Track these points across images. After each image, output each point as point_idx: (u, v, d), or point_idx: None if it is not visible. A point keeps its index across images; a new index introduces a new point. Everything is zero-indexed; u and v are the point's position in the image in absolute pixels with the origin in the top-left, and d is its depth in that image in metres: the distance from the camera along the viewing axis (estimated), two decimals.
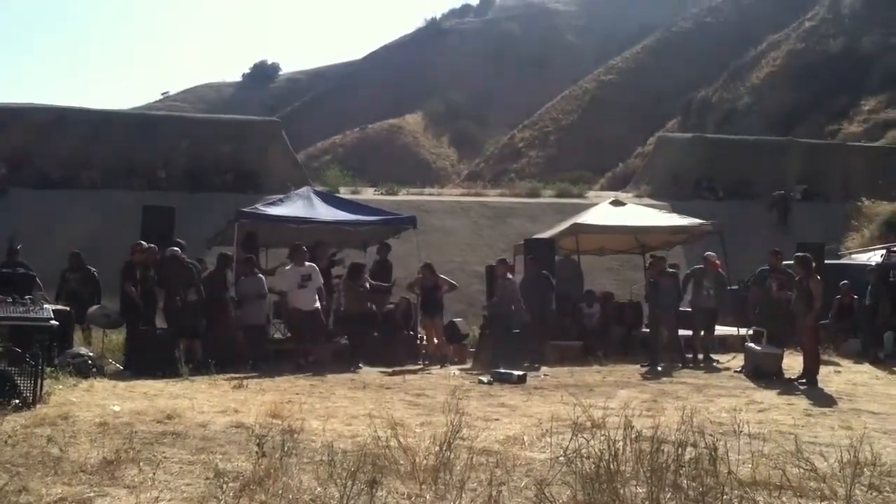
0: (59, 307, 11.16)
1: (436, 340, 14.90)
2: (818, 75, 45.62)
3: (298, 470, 5.60)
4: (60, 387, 9.29)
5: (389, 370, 12.85)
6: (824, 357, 13.02)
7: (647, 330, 15.11)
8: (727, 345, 15.20)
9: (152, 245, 13.19)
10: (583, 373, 12.78)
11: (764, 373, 11.95)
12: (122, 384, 10.35)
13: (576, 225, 16.99)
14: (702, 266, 15.04)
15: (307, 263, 13.66)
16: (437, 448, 5.70)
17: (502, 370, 11.87)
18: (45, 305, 9.74)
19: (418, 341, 15.39)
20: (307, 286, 13.43)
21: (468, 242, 23.90)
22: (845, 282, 16.13)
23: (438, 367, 13.83)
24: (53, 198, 24.44)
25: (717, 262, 15.15)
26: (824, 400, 10.10)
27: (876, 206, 28.45)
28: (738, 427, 6.28)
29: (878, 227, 27.37)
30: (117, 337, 13.53)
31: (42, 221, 21.57)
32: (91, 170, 26.93)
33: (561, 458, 5.67)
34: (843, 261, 20.82)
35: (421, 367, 13.81)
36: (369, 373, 12.50)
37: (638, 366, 13.48)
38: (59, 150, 27.04)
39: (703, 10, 73.90)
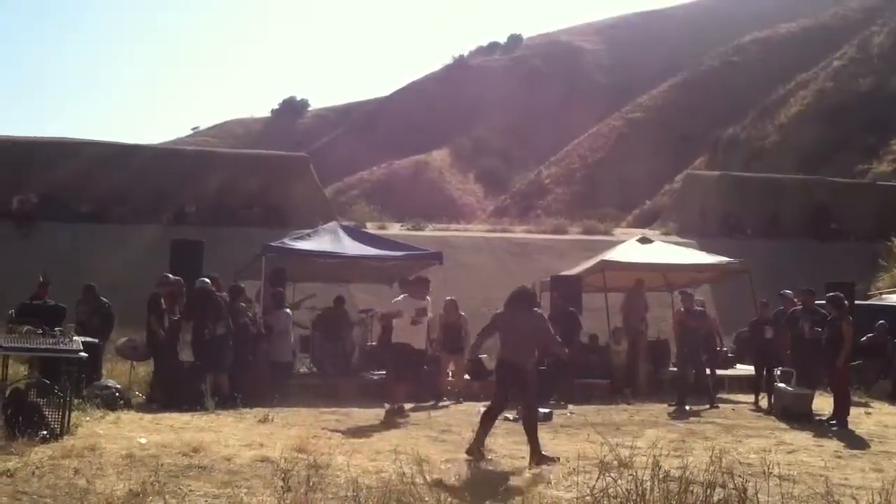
0: (88, 339, 11.23)
1: (452, 377, 14.82)
2: (847, 114, 45.36)
3: None
4: (88, 418, 9.35)
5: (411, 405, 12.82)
6: (855, 398, 12.85)
7: (675, 369, 14.99)
8: (755, 385, 14.99)
9: (178, 278, 13.27)
10: (609, 411, 12.68)
11: (794, 414, 11.82)
12: (148, 417, 10.39)
13: (603, 262, 16.94)
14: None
15: (427, 298, 12.42)
16: (462, 485, 5.66)
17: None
18: (74, 337, 9.82)
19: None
20: (422, 322, 12.17)
21: (494, 279, 23.80)
22: (882, 322, 15.93)
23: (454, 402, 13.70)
24: (83, 232, 24.70)
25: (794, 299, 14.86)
26: (855, 442, 9.97)
27: None
28: (768, 468, 6.22)
29: None
30: (145, 369, 13.60)
31: (71, 256, 21.79)
32: (120, 204, 27.19)
33: (587, 498, 5.62)
34: (872, 301, 20.60)
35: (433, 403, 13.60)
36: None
37: (665, 405, 13.36)
38: (88, 184, 27.30)
39: (730, 48, 73.85)
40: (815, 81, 53.46)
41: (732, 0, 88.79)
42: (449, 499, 5.53)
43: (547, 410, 11.63)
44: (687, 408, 12.96)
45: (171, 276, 13.25)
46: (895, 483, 6.02)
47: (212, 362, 12.43)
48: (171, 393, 11.90)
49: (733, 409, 13.25)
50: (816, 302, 13.47)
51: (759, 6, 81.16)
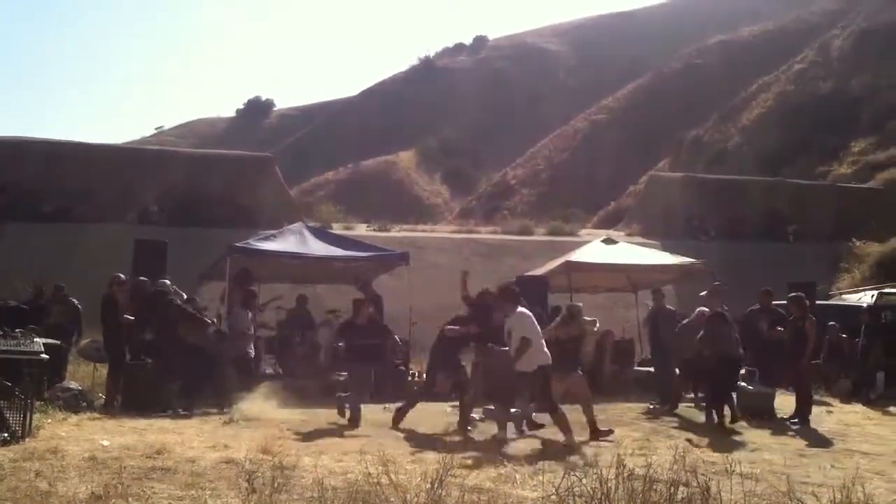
0: (50, 341, 11.08)
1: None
2: (808, 117, 45.85)
3: None
4: (50, 421, 9.25)
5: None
6: (816, 397, 13.01)
7: (647, 369, 15.09)
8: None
9: (142, 278, 13.16)
10: (575, 410, 12.72)
11: (755, 412, 11.92)
12: (111, 419, 10.29)
13: (568, 263, 17.02)
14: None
15: None
16: (429, 485, 5.67)
17: (493, 407, 11.80)
18: (35, 339, 9.70)
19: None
20: None
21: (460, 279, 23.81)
22: (833, 323, 16.10)
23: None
24: (46, 232, 24.36)
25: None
26: (816, 440, 10.10)
27: (866, 247, 28.55)
28: (731, 467, 6.27)
29: (868, 267, 27.48)
30: None
31: (34, 255, 21.48)
32: (84, 204, 26.87)
33: (553, 497, 5.64)
34: (833, 301, 20.86)
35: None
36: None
37: (629, 404, 13.42)
38: (52, 183, 26.99)
39: (693, 51, 74.37)
40: (777, 84, 54.05)
41: (696, 3, 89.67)
42: (414, 499, 5.53)
43: (514, 410, 11.64)
44: (658, 407, 13.01)
45: (122, 275, 13.12)
46: (855, 480, 6.10)
47: (160, 366, 12.25)
48: (134, 395, 11.75)
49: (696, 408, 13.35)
50: (774, 302, 13.62)
51: (722, 9, 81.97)
